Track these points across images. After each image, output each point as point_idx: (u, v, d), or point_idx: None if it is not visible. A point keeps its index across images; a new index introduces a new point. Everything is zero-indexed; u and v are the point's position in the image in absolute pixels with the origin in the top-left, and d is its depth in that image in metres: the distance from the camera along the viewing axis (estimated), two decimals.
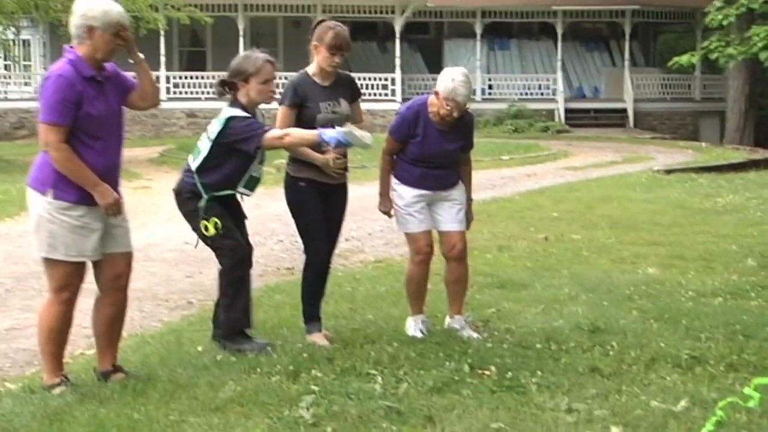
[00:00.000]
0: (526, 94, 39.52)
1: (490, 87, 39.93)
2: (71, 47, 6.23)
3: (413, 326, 7.84)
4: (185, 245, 13.55)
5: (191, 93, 37.31)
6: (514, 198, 19.28)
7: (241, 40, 36.38)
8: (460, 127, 7.78)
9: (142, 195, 20.19)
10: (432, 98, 7.65)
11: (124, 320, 6.76)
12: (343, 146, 7.10)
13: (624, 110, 39.41)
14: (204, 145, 7.17)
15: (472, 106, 8.33)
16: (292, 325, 8.16)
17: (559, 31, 39.18)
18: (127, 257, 6.63)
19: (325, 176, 7.43)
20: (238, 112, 7.07)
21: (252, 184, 7.34)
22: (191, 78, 37.54)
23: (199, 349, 7.52)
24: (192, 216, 7.24)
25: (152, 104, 6.84)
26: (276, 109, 7.59)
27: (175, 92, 37.24)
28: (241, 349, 7.11)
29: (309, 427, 5.56)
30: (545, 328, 8.04)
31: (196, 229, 7.26)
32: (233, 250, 7.23)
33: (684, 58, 35.49)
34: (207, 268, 11.75)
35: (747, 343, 7.73)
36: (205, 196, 7.10)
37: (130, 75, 6.63)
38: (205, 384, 6.41)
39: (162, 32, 34.19)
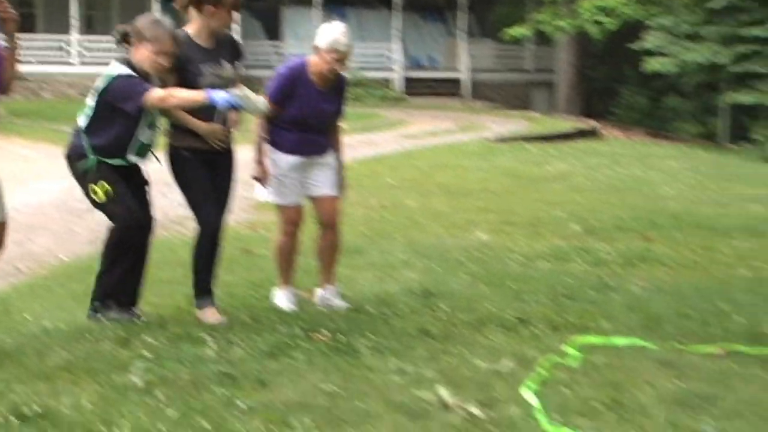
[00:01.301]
0: (365, 63, 39.53)
1: None
2: None
3: (283, 298, 7.63)
4: (15, 212, 13.32)
5: (22, 56, 36.23)
6: (353, 166, 19.16)
7: (72, 3, 35.69)
8: (338, 88, 7.55)
9: None
10: (311, 58, 7.39)
11: None
12: (233, 110, 6.72)
13: (458, 80, 39.81)
14: (90, 103, 6.70)
15: None
16: None
17: (397, 1, 39.36)
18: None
19: (206, 143, 6.96)
20: (124, 70, 6.60)
21: (142, 151, 6.80)
22: (20, 41, 36.45)
23: (27, 316, 7.31)
24: (82, 180, 6.74)
25: (4, 92, 6.49)
26: None
27: None
28: (107, 316, 6.80)
29: (140, 392, 5.44)
30: (379, 292, 8.10)
31: (87, 194, 6.74)
32: (125, 218, 6.71)
33: (516, 30, 36.53)
34: (37, 235, 11.57)
35: (570, 304, 7.94)
36: (92, 157, 6.62)
37: None
38: (33, 351, 6.23)
39: None
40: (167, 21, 6.70)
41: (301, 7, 39.74)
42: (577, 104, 37.44)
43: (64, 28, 36.53)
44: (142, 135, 6.72)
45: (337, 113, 7.65)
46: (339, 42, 7.23)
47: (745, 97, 28.84)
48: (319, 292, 7.79)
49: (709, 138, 32.82)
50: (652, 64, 30.77)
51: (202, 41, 6.90)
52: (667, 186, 17.87)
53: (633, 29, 32.70)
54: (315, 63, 7.36)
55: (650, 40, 31.01)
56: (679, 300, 8.25)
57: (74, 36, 36.63)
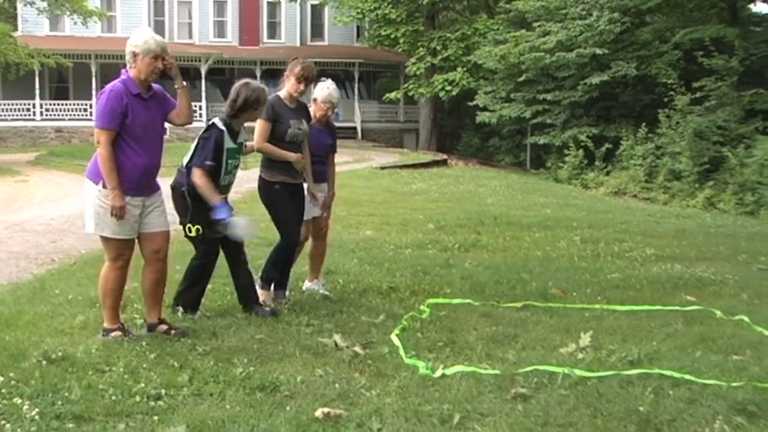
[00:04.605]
0: None
1: None
2: (125, 70, 5.47)
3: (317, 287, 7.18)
4: (51, 220, 13.02)
5: (58, 115, 35.83)
6: None
7: (93, 79, 35.12)
8: (331, 129, 7.19)
9: (22, 186, 19.23)
10: (312, 105, 7.04)
11: (165, 284, 5.77)
12: (225, 225, 5.83)
13: (355, 128, 39.74)
14: (193, 145, 6.07)
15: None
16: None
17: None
18: (165, 234, 5.63)
19: (292, 178, 6.56)
20: (219, 125, 6.01)
21: (223, 190, 6.05)
22: (58, 105, 36.02)
23: (57, 291, 7.13)
24: (180, 210, 6.04)
25: (185, 122, 5.73)
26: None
27: (46, 114, 35.64)
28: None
29: (131, 342, 5.36)
30: (296, 271, 7.93)
31: (182, 223, 6.07)
32: (205, 253, 6.12)
33: (392, 94, 36.89)
34: (66, 236, 11.29)
35: (424, 277, 7.99)
36: (184, 190, 5.93)
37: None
38: (60, 315, 6.13)
39: (37, 72, 32.74)
40: (254, 86, 6.19)
41: (247, 78, 39.24)
42: (433, 143, 37.67)
43: (88, 96, 35.72)
44: (223, 180, 6.04)
45: (333, 147, 7.23)
46: (332, 96, 7.00)
47: (540, 139, 29.28)
48: (307, 284, 7.29)
49: (519, 165, 33.22)
50: (482, 117, 31.02)
51: (288, 102, 6.64)
52: (490, 197, 18.06)
53: (469, 94, 33.00)
54: (313, 110, 7.04)
55: (480, 101, 31.30)
56: (495, 272, 8.35)
57: (95, 101, 35.76)
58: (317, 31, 42.37)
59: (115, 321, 5.56)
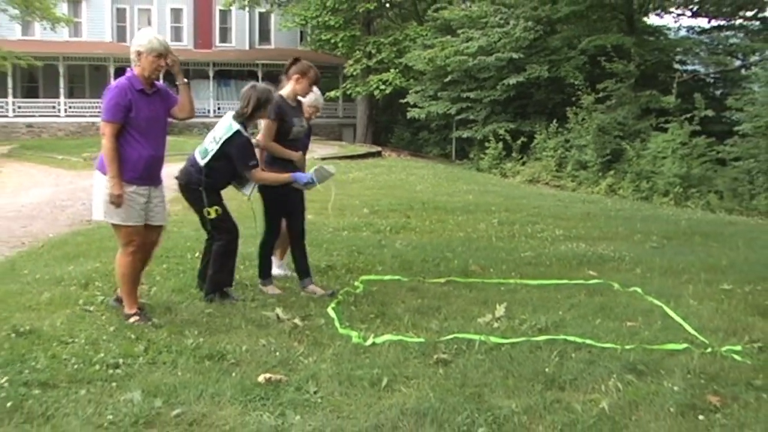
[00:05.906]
0: None
1: (219, 108, 38.79)
2: (131, 68, 5.23)
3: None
4: (22, 207, 12.67)
5: (29, 112, 34.82)
6: None
7: (61, 79, 34.33)
8: (308, 129, 6.75)
9: None
10: None
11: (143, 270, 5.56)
12: (311, 185, 5.93)
13: None
14: (211, 147, 5.73)
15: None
16: (87, 254, 7.72)
17: (260, 75, 38.69)
18: (159, 229, 5.46)
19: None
20: (242, 130, 5.73)
21: (242, 183, 5.97)
22: (29, 102, 35.02)
23: (26, 271, 6.94)
24: (196, 202, 5.79)
25: (188, 116, 5.50)
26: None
27: (18, 111, 34.55)
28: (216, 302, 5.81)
29: (92, 316, 5.26)
30: (242, 252, 7.52)
31: (199, 212, 5.82)
32: (229, 231, 5.85)
33: (332, 93, 36.72)
34: (35, 222, 11.00)
35: (359, 256, 7.96)
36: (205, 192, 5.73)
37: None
38: (28, 292, 5.96)
39: (9, 73, 31.84)
40: (261, 87, 5.89)
41: (201, 79, 38.62)
42: (369, 137, 37.62)
43: (56, 94, 34.88)
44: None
45: (308, 145, 6.86)
46: (318, 101, 6.74)
47: (464, 133, 29.43)
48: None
49: (445, 156, 33.32)
50: (412, 113, 31.05)
51: (291, 101, 6.25)
52: (419, 185, 18.08)
53: (401, 92, 32.97)
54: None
55: (411, 99, 31.31)
56: (422, 252, 8.36)
57: (62, 99, 34.94)
58: (264, 36, 41.82)
59: (134, 306, 5.29)
